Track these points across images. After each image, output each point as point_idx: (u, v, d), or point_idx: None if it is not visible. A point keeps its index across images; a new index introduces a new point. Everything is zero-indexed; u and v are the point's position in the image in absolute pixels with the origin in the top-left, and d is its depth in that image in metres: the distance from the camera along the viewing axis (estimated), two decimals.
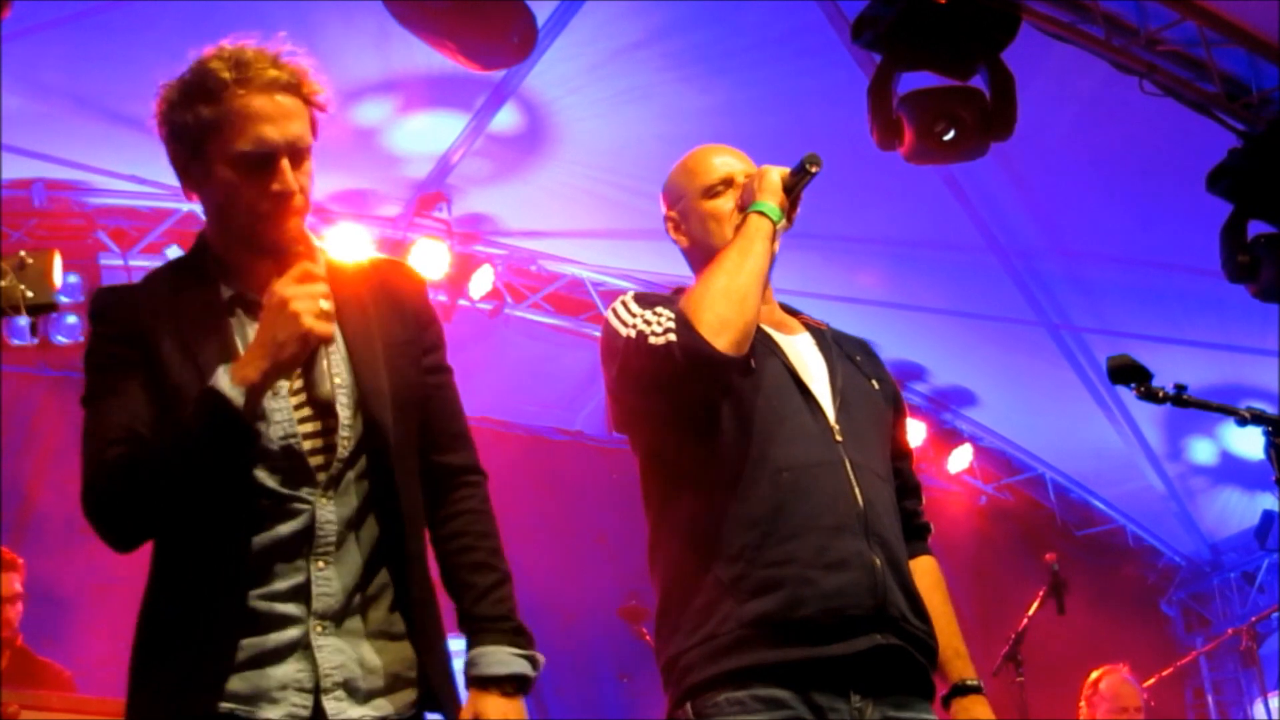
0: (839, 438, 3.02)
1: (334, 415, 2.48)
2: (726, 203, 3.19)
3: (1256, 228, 6.83)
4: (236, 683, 2.35)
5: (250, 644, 2.37)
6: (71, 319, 7.76)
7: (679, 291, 3.12)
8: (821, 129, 7.36)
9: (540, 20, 6.21)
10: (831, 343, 3.25)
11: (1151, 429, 9.83)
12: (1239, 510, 10.42)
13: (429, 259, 8.11)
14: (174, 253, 8.06)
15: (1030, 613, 6.99)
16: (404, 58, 6.80)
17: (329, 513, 2.45)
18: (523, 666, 2.56)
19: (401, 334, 2.64)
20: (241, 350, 2.44)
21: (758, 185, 3.11)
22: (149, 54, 6.67)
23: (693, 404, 2.97)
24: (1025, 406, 10.23)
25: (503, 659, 2.54)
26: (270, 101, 2.50)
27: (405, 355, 2.63)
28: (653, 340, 2.89)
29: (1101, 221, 8.20)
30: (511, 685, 2.54)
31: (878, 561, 2.90)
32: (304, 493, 2.44)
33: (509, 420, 9.53)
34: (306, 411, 2.48)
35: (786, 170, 3.13)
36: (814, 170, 3.07)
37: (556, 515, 9.25)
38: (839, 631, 2.82)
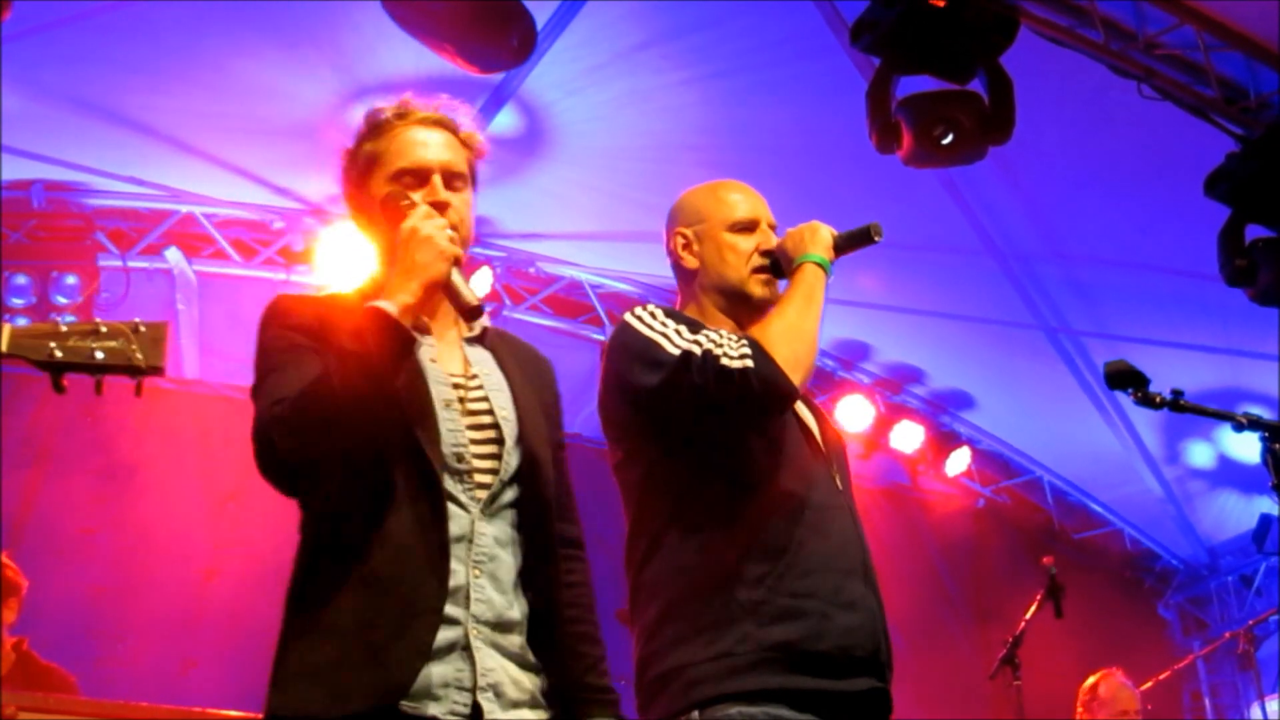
0: (839, 485, 3.17)
1: (500, 440, 2.68)
2: (749, 241, 3.30)
3: (1254, 232, 6.83)
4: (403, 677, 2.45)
5: (416, 639, 2.47)
6: (69, 319, 7.75)
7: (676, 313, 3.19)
8: (820, 132, 7.37)
9: (539, 23, 6.21)
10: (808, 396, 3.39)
11: (1149, 432, 9.83)
12: (1236, 513, 10.42)
13: None
14: (173, 254, 8.08)
15: (1028, 616, 6.98)
16: (403, 60, 6.80)
17: (486, 526, 2.62)
18: None
19: (540, 399, 2.85)
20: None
21: (809, 238, 3.20)
22: (148, 55, 6.69)
23: (736, 430, 3.04)
24: (1023, 409, 10.24)
25: None
26: (425, 131, 2.82)
27: (545, 416, 2.84)
28: (726, 362, 2.93)
29: (1099, 225, 8.20)
30: None
31: (875, 607, 3.05)
32: (465, 500, 2.61)
33: None
34: (475, 433, 2.67)
35: (832, 229, 3.23)
36: (876, 239, 3.18)
37: None
38: (846, 669, 2.95)
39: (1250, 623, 8.48)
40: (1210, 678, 11.03)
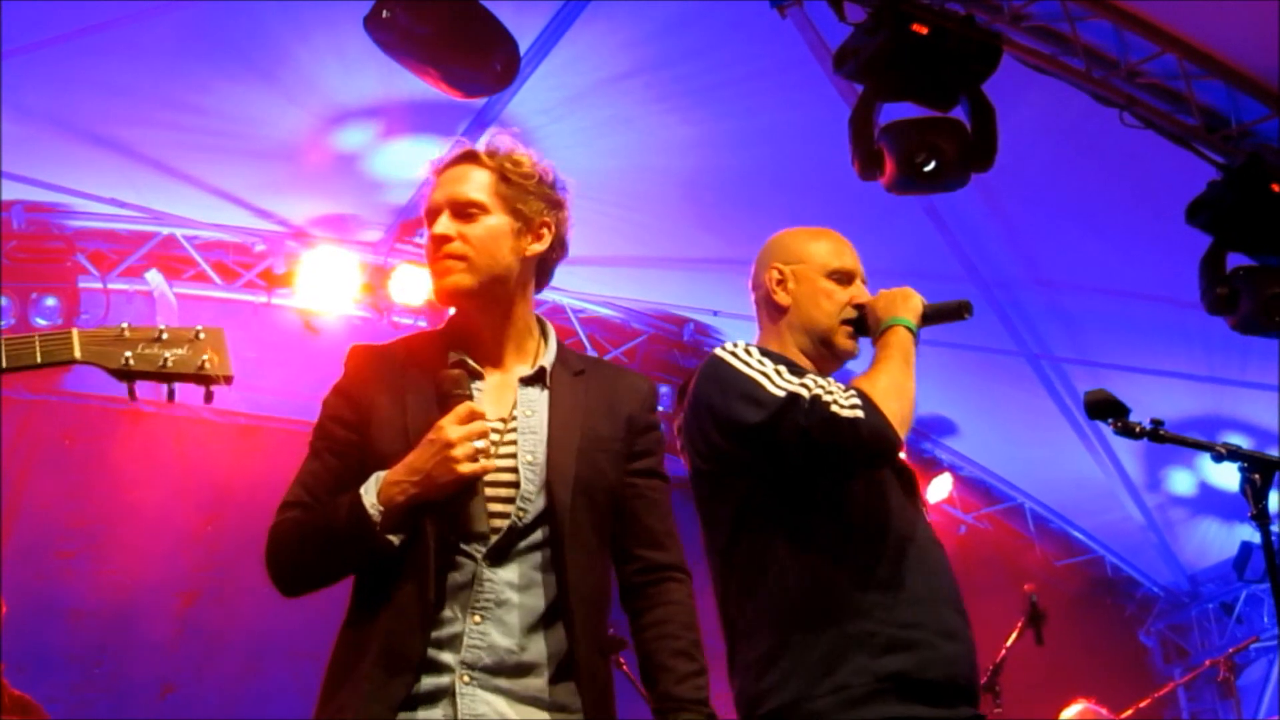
0: (927, 523, 3.31)
1: (517, 488, 2.68)
2: (844, 292, 3.40)
3: (1235, 260, 6.86)
4: None
5: (389, 694, 2.56)
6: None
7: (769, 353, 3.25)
8: (803, 159, 7.38)
9: (523, 48, 6.22)
10: None
11: (1130, 460, 9.84)
12: (1217, 541, 10.42)
13: (409, 285, 8.09)
14: (154, 276, 8.04)
15: (1009, 643, 6.98)
16: (386, 84, 6.80)
17: (492, 573, 2.64)
18: None
19: (607, 432, 2.82)
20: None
21: (901, 302, 3.34)
22: (131, 78, 6.67)
23: (838, 474, 3.13)
24: (1005, 436, 10.24)
25: None
26: (447, 173, 2.86)
27: (605, 450, 2.81)
28: (836, 410, 3.02)
29: (1081, 252, 8.22)
30: None
31: (970, 639, 3.16)
32: (473, 549, 2.63)
33: None
34: (490, 479, 2.66)
35: (923, 299, 3.37)
36: (966, 316, 3.42)
37: None
38: (951, 697, 3.03)
39: (1231, 650, 8.49)
40: (1191, 705, 11.03)
